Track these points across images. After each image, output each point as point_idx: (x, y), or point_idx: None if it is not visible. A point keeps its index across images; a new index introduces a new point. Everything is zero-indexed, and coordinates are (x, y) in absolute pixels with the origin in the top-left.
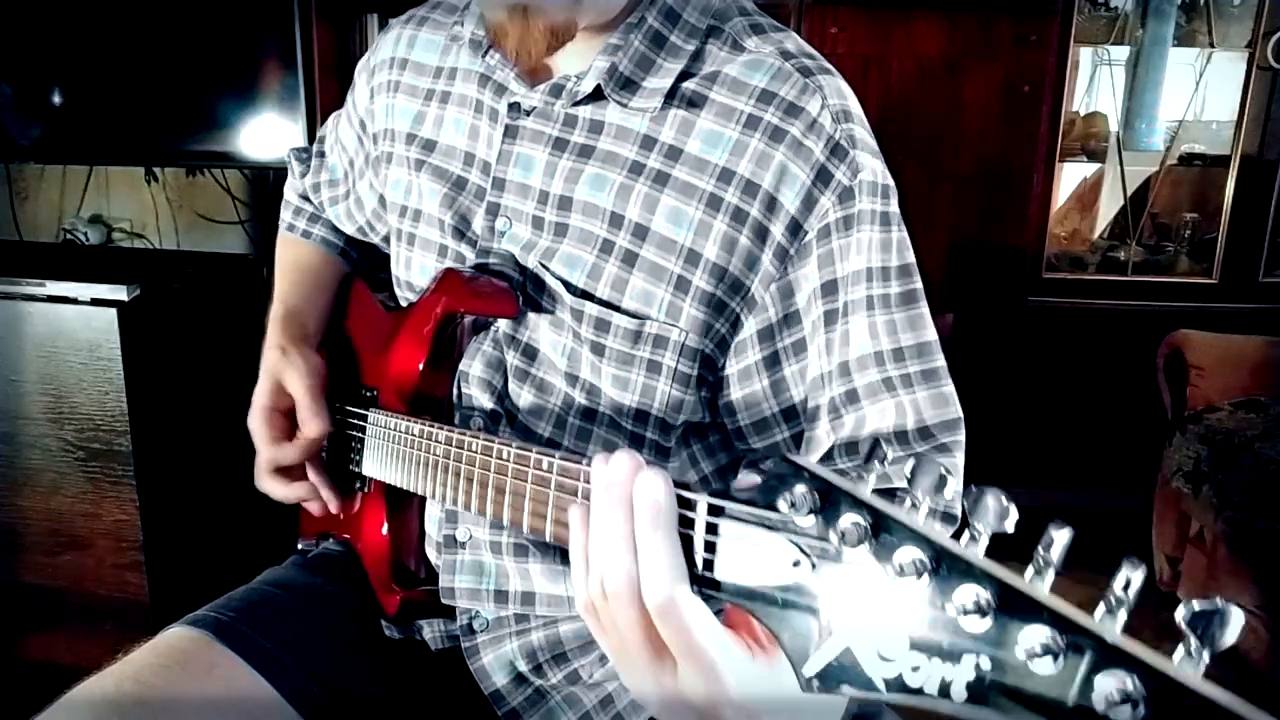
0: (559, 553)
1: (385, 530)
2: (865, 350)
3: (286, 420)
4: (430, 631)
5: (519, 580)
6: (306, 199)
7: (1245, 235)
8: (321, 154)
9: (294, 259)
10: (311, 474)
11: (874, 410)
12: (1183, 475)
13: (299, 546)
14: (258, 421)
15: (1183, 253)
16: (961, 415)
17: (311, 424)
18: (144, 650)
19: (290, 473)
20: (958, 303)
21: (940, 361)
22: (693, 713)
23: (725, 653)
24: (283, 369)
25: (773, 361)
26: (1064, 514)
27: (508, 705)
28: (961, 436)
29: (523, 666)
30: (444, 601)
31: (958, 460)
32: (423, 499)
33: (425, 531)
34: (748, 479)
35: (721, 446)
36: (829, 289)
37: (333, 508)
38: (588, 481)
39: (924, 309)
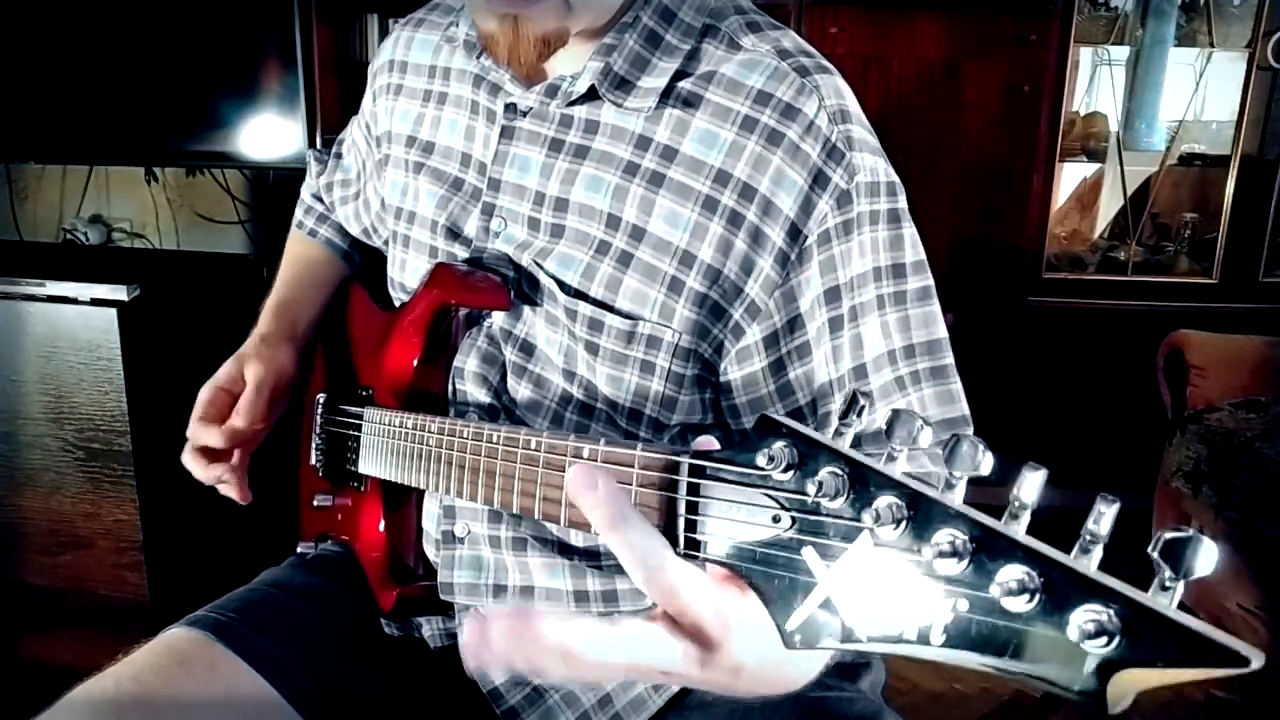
0: (557, 546)
1: (382, 527)
2: (879, 351)
3: (230, 405)
4: (429, 629)
5: (518, 575)
6: (319, 199)
7: (1245, 235)
8: (339, 155)
9: (297, 255)
10: (235, 461)
11: (885, 412)
12: (1183, 475)
13: (298, 549)
14: (203, 395)
15: (1183, 253)
16: (968, 414)
17: (241, 415)
18: (144, 650)
19: (211, 455)
20: (958, 303)
21: (949, 359)
22: (712, 668)
23: (721, 603)
24: (249, 356)
25: (778, 366)
26: (1063, 514)
27: (506, 703)
28: (968, 434)
29: None
30: (443, 597)
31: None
32: (420, 496)
33: (423, 528)
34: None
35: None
36: (832, 296)
37: (240, 498)
38: (575, 457)
39: (936, 305)
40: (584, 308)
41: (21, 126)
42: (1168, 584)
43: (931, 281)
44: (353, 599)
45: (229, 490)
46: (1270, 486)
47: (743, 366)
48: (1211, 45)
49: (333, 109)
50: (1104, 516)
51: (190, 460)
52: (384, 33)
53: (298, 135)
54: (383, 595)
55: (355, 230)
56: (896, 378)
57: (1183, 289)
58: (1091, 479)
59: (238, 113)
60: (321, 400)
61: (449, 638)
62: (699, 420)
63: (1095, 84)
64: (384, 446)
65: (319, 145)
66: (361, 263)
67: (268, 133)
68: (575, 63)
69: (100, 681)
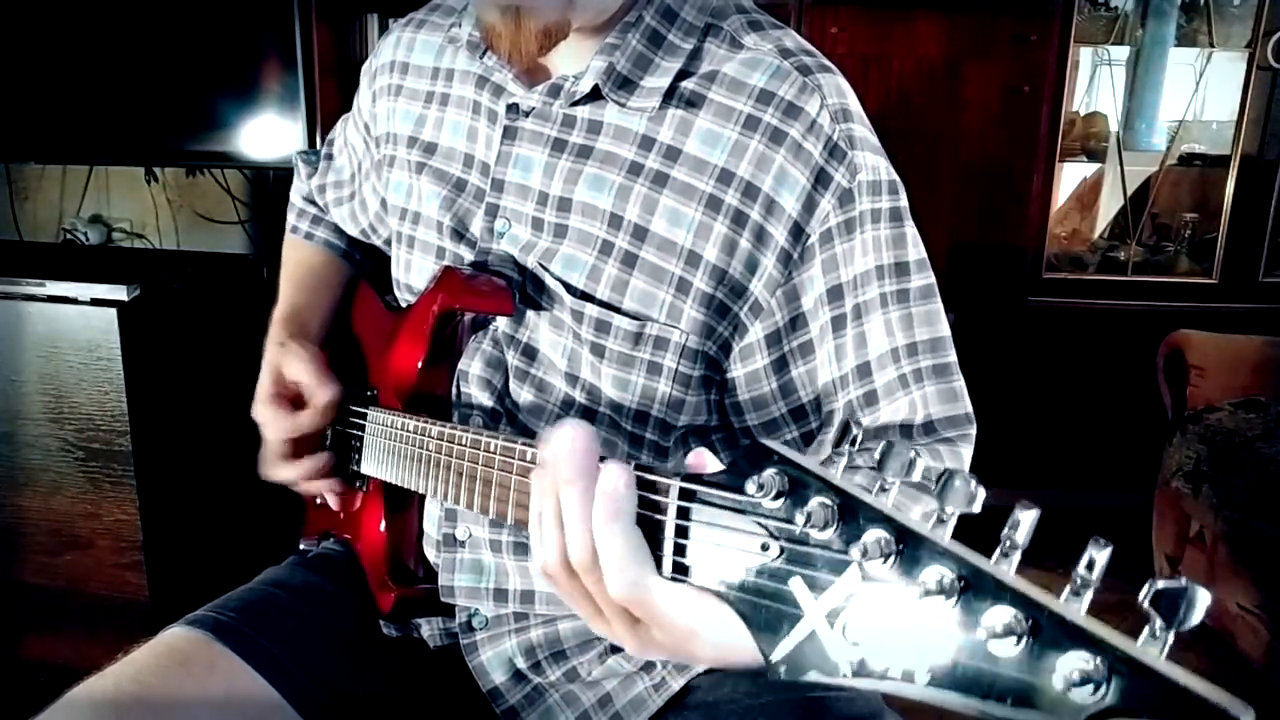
0: None
1: (383, 528)
2: (883, 349)
3: (293, 406)
4: (429, 629)
5: (518, 579)
6: (311, 201)
7: (1245, 235)
8: (329, 156)
9: (297, 260)
10: (319, 457)
11: (888, 409)
12: (1183, 475)
13: (300, 546)
14: (265, 407)
15: (1183, 253)
16: (971, 412)
17: (322, 391)
18: (144, 650)
19: (301, 454)
20: (958, 303)
21: (952, 357)
22: (666, 652)
23: (697, 614)
24: (282, 359)
25: (781, 365)
26: (1064, 514)
27: (506, 703)
28: (970, 432)
29: (521, 664)
30: (443, 600)
31: (963, 455)
32: (422, 498)
33: (424, 530)
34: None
35: (723, 447)
36: (834, 294)
37: (334, 495)
38: None
39: (939, 304)
40: (590, 309)
41: (21, 126)
42: (1158, 633)
43: (934, 280)
44: (353, 599)
45: (330, 485)
46: (1270, 486)
47: (746, 364)
48: (1211, 45)
49: (333, 109)
50: (1096, 562)
51: (283, 468)
52: (384, 32)
53: (298, 135)
54: (382, 597)
55: (353, 230)
56: (899, 375)
57: (1183, 289)
58: (1091, 479)
59: (238, 113)
60: None
61: (448, 638)
62: (704, 422)
63: (1095, 84)
64: (386, 448)
65: (319, 145)
66: (363, 260)
67: (268, 133)
68: (578, 62)
69: (100, 681)
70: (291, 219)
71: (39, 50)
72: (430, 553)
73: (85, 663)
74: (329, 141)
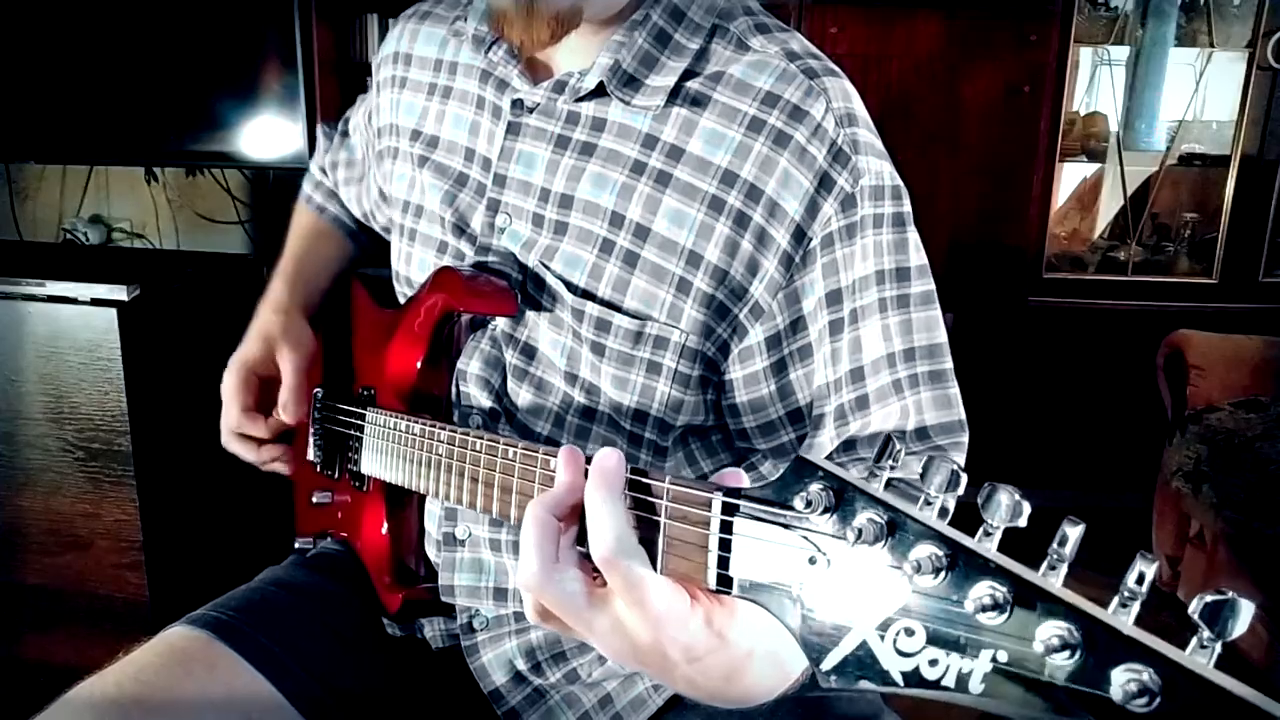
0: None
1: (385, 529)
2: (879, 354)
3: (262, 388)
4: (431, 630)
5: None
6: (325, 173)
7: (1245, 235)
8: (345, 133)
9: (307, 229)
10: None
11: (880, 414)
12: (1183, 475)
13: (296, 545)
14: (235, 379)
15: (1183, 253)
16: (964, 419)
17: (290, 411)
18: (144, 650)
19: (259, 439)
20: (958, 303)
21: (948, 364)
22: (636, 654)
23: (669, 603)
24: (279, 336)
25: (780, 367)
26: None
27: (507, 704)
28: (963, 439)
29: (522, 665)
30: (444, 599)
31: (957, 463)
32: (421, 497)
33: (425, 529)
34: (733, 474)
35: (722, 446)
36: (834, 298)
37: (286, 471)
38: None
39: (938, 310)
40: (591, 308)
41: (21, 126)
42: (1205, 643)
43: (934, 286)
44: (354, 598)
45: (280, 468)
46: (1270, 486)
47: (745, 366)
48: (1211, 45)
49: (333, 109)
50: (1146, 575)
51: (235, 445)
52: (384, 32)
53: (298, 135)
54: (389, 597)
55: (357, 212)
56: (894, 380)
57: (1183, 289)
58: (1091, 479)
59: (238, 113)
60: (319, 396)
61: (450, 638)
62: (701, 422)
63: (1095, 84)
64: (388, 449)
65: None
66: (367, 243)
67: (268, 133)
68: (583, 59)
69: (101, 681)
70: (307, 188)
71: (39, 50)
72: (431, 551)
73: (85, 663)
74: (345, 119)
